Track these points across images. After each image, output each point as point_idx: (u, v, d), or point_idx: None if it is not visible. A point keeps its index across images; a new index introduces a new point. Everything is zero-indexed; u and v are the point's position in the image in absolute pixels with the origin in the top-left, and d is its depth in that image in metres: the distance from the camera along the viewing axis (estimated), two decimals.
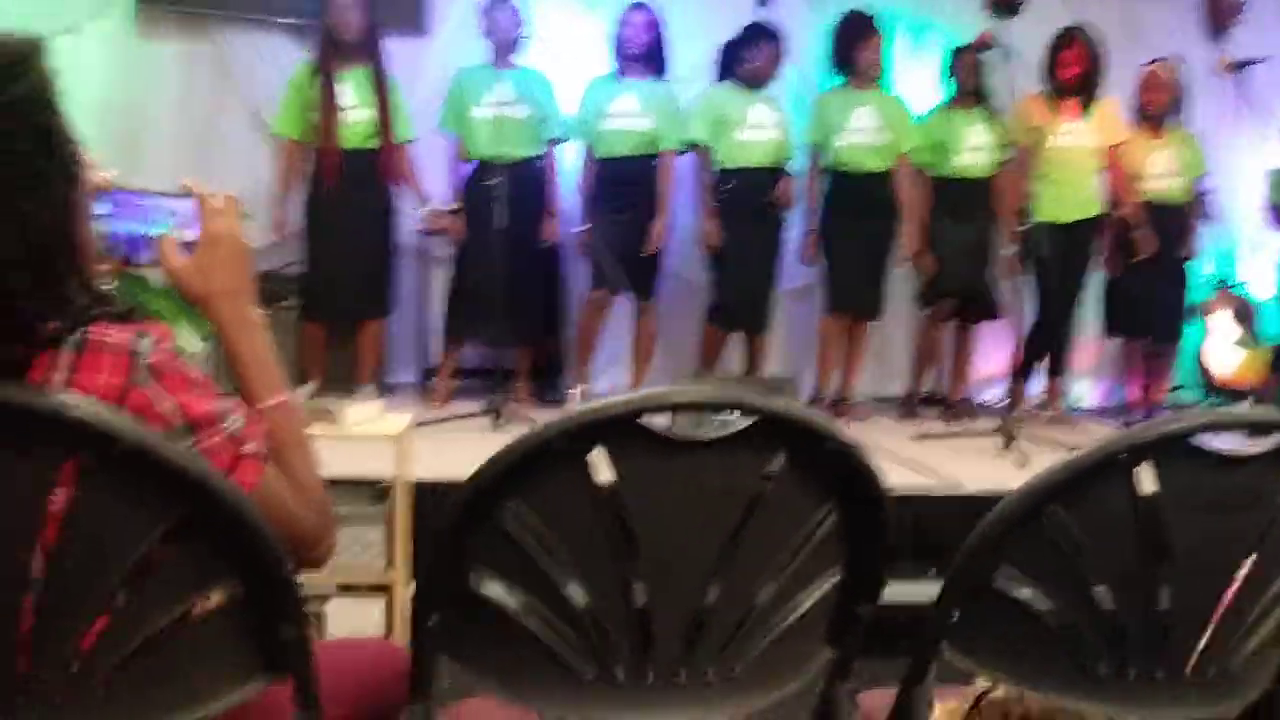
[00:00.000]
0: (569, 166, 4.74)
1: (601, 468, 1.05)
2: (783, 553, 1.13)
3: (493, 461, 1.04)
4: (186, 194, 1.14)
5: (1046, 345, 4.84)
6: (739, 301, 4.67)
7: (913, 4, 5.25)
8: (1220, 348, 5.39)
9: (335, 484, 2.70)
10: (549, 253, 4.64)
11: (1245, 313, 5.36)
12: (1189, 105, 4.92)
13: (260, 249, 4.60)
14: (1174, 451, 1.13)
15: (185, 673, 0.99)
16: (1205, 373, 5.43)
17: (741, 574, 1.11)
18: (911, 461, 3.71)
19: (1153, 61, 4.85)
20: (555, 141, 4.60)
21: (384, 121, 4.36)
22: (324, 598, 2.61)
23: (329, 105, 4.33)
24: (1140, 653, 1.19)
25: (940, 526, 3.33)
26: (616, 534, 1.06)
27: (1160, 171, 4.83)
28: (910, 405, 4.93)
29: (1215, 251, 5.37)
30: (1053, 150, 4.60)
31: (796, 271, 4.84)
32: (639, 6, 4.55)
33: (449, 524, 1.08)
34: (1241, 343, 5.34)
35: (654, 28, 4.56)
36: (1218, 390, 5.35)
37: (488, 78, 4.51)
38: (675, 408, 1.08)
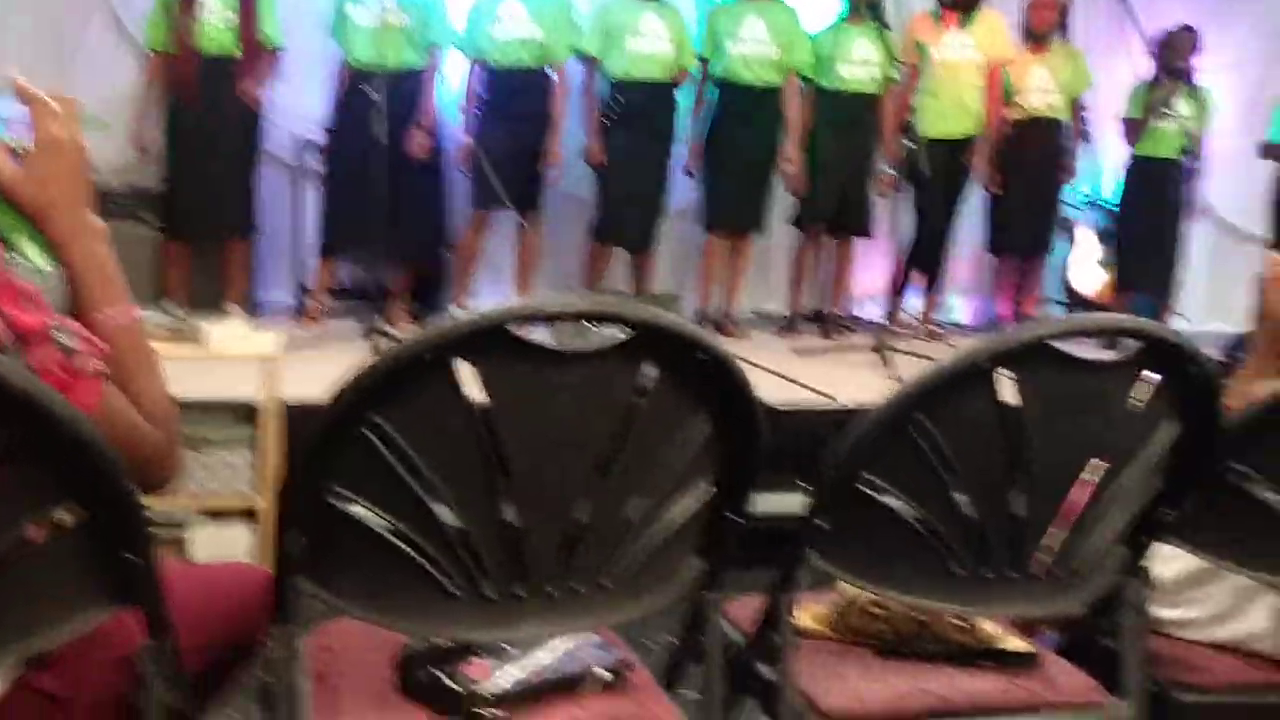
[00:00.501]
0: (455, 78, 4.57)
1: (469, 383, 1.02)
2: (655, 465, 1.13)
3: (357, 376, 1.00)
4: (18, 96, 1.04)
5: (924, 261, 4.95)
6: (625, 218, 4.62)
7: None
8: (1085, 265, 5.60)
9: (200, 406, 2.61)
10: (432, 167, 4.46)
11: (1108, 231, 5.57)
12: (1070, 19, 5.00)
13: (125, 164, 4.36)
14: (1033, 358, 1.16)
15: (23, 600, 0.94)
16: (1071, 289, 5.64)
17: (614, 487, 1.10)
18: (789, 376, 3.77)
19: None
20: (436, 49, 4.40)
21: (245, 25, 4.13)
22: (185, 523, 2.53)
23: (186, 6, 4.09)
24: (995, 553, 1.24)
25: (816, 440, 3.40)
26: (486, 450, 1.04)
27: (1042, 87, 4.93)
28: (791, 322, 5.01)
29: (1086, 168, 5.54)
30: (937, 64, 4.64)
31: (684, 189, 4.81)
32: None
33: (310, 442, 1.03)
34: (1103, 261, 5.56)
35: None
36: (1083, 306, 5.57)
37: None
38: (543, 317, 1.05)
